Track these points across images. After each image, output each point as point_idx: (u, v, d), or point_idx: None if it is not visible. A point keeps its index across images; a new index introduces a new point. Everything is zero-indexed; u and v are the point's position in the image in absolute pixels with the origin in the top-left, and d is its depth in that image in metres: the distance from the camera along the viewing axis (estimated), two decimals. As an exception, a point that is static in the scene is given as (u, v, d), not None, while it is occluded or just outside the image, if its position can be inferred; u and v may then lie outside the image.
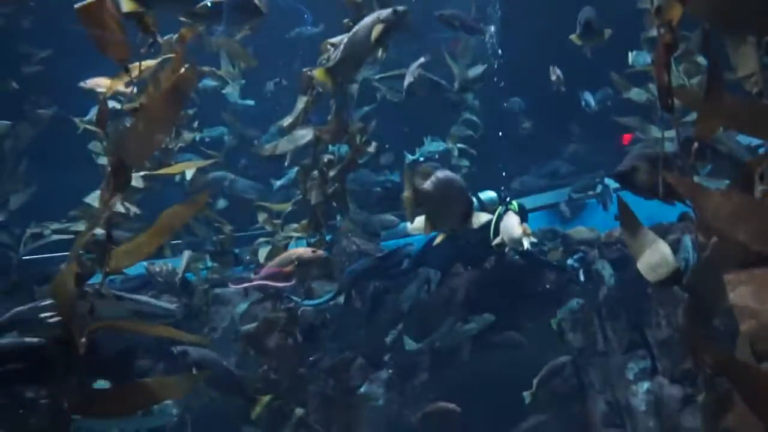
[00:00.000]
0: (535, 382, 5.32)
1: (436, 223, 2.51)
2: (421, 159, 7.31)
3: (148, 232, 2.23)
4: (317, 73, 3.88)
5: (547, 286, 6.05)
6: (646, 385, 5.36)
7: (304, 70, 4.51)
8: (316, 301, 5.98)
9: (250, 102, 7.41)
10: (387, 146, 6.51)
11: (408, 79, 5.62)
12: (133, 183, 3.54)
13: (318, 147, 4.70)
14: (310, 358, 5.54)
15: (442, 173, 2.43)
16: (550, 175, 8.28)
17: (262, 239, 5.27)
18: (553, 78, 6.66)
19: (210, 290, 6.11)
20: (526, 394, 5.35)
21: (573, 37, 4.45)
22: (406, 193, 2.45)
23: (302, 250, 4.40)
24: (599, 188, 8.06)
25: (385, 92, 6.21)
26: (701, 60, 4.49)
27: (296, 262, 4.27)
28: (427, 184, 2.75)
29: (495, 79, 7.36)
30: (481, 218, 3.66)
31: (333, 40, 4.21)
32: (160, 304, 4.44)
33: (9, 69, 6.64)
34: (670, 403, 5.06)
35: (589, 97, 7.32)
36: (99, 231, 4.20)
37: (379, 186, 6.84)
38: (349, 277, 6.09)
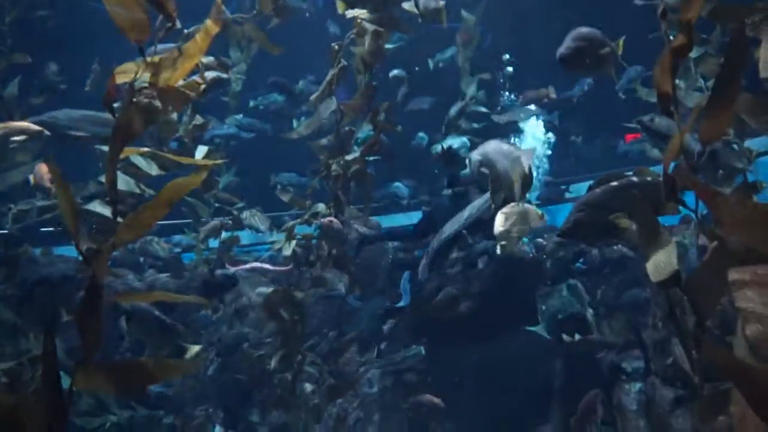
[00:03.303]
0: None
1: (499, 189, 2.52)
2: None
3: (150, 205, 2.14)
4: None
5: (548, 283, 6.07)
6: (638, 385, 5.39)
7: (332, 44, 4.47)
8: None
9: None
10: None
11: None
12: (151, 171, 3.55)
13: (341, 122, 4.68)
14: (308, 342, 5.58)
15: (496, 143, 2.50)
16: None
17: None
18: (545, 98, 6.68)
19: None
20: None
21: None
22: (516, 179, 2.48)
23: (324, 220, 4.66)
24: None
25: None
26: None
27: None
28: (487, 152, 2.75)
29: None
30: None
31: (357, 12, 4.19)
32: None
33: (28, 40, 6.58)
34: (661, 404, 5.08)
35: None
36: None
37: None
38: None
